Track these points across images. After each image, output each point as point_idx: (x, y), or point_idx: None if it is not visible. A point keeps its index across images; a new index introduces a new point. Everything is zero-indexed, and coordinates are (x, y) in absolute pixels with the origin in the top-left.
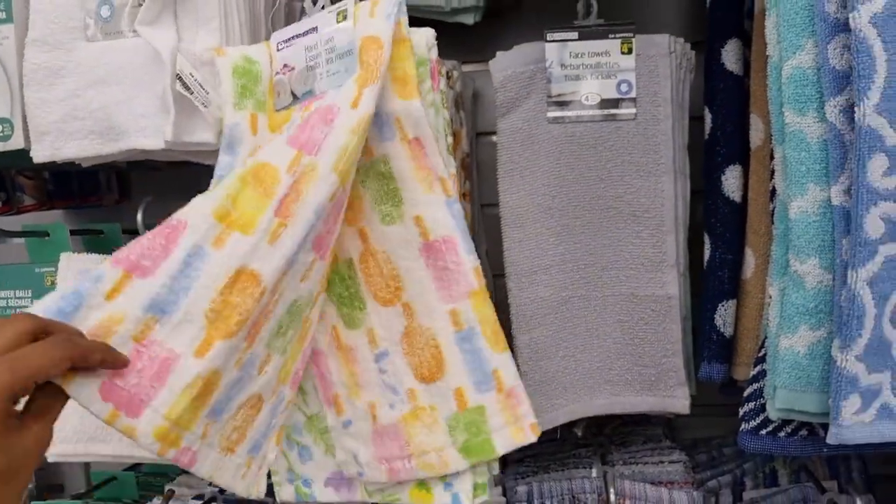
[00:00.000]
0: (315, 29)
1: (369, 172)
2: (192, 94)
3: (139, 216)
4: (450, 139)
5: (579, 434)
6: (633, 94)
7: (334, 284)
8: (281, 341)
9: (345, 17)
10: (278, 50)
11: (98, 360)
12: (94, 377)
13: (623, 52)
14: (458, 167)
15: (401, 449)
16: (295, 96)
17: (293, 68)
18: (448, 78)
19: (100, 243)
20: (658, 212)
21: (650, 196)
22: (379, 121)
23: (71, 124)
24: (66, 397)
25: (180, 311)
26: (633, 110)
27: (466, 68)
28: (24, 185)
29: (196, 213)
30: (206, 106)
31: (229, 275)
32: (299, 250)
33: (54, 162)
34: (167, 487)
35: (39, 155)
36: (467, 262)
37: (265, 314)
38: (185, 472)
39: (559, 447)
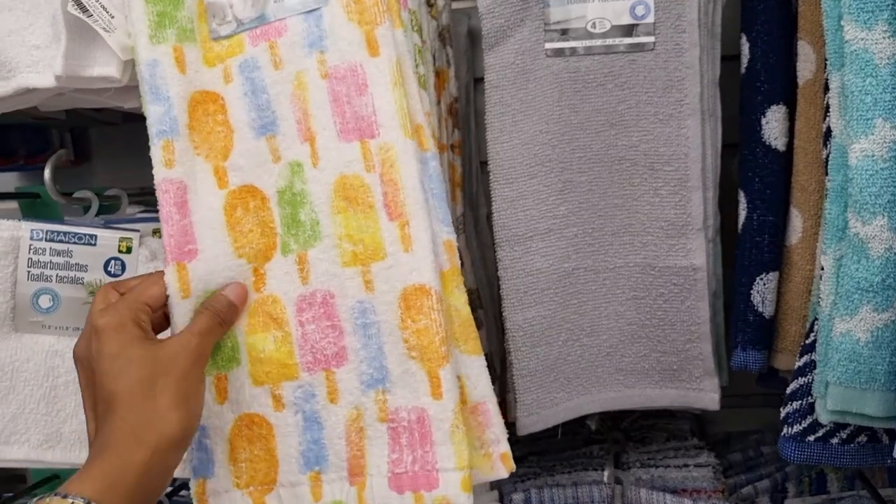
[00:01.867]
0: None
1: None
2: (90, 16)
3: (46, 174)
4: (421, 69)
5: (593, 428)
6: (650, 19)
7: None
8: None
9: None
10: None
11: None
12: (378, 477)
13: None
14: (445, 113)
15: None
16: (240, 22)
17: None
18: (430, 6)
19: (38, 210)
20: (681, 164)
21: (672, 144)
22: None
23: None
24: (224, 316)
25: (392, 370)
26: (652, 39)
27: (460, 4)
28: None
29: (325, 275)
30: (108, 31)
31: (398, 304)
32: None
33: None
34: None
35: None
36: None
37: None
38: None
39: (569, 442)
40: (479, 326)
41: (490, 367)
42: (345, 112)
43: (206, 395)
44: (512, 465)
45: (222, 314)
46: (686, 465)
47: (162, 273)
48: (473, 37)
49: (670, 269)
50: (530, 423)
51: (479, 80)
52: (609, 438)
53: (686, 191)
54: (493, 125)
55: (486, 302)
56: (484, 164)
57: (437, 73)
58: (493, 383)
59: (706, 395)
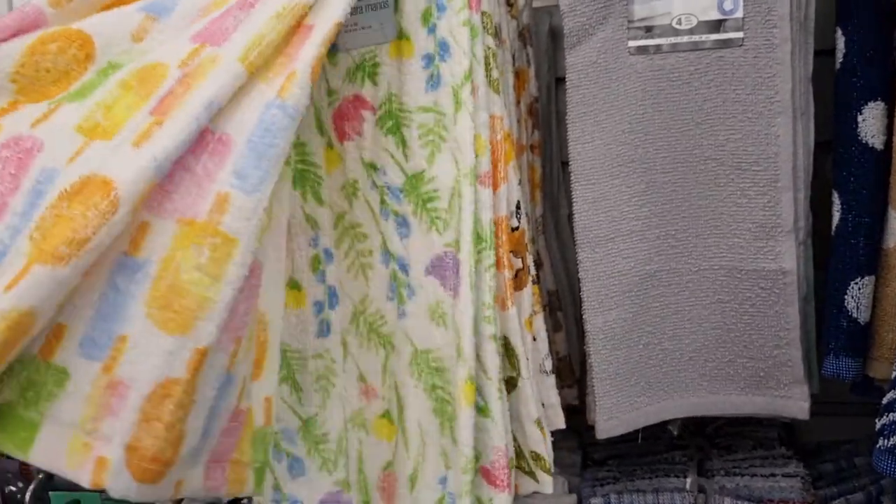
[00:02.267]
0: None
1: None
2: None
3: None
4: (495, 73)
5: (675, 433)
6: (739, 14)
7: None
8: None
9: None
10: None
11: None
12: None
13: None
14: (525, 114)
15: None
16: None
17: None
18: (510, 6)
19: None
20: (771, 163)
21: (761, 143)
22: None
23: None
24: None
25: (8, 247)
26: (741, 34)
27: (541, 3)
28: None
29: (56, 128)
30: None
31: (72, 183)
32: (185, 154)
33: None
34: None
35: None
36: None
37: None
38: None
39: (650, 447)
40: (557, 329)
41: (569, 369)
42: (214, 24)
43: None
44: (101, 482)
45: None
46: (773, 475)
47: None
48: (555, 35)
49: (758, 272)
50: (610, 427)
51: (560, 80)
52: (692, 444)
53: (776, 191)
54: (574, 125)
55: (566, 304)
56: (565, 164)
57: (517, 73)
58: (572, 386)
59: (795, 403)
